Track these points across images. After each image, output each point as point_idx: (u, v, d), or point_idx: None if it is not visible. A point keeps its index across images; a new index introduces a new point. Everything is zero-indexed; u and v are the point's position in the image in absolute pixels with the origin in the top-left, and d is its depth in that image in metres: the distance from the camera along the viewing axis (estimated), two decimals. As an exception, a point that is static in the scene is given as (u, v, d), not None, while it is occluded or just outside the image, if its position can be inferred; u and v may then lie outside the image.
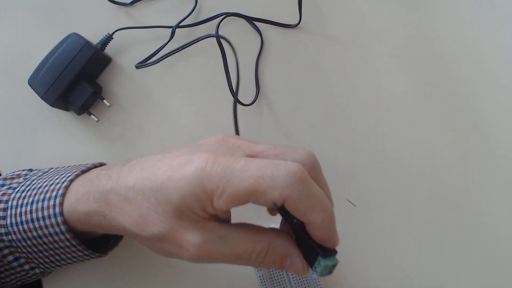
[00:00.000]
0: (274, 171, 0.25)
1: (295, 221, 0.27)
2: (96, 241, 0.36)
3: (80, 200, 0.31)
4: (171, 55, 0.38)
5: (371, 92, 0.44)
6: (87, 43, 0.42)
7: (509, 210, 0.41)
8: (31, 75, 0.41)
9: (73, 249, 0.32)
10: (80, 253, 0.33)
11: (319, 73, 0.44)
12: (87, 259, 0.34)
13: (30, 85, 0.41)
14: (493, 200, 0.42)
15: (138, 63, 0.40)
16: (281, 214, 0.28)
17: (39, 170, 0.38)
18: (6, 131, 0.43)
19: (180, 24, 0.45)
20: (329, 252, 0.28)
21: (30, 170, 0.38)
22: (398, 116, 0.43)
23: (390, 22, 0.45)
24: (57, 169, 0.37)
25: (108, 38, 0.43)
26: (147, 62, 0.39)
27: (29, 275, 0.35)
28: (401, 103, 0.44)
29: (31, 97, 0.43)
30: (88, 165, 0.35)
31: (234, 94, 0.39)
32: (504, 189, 0.42)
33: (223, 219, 0.28)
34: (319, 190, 0.26)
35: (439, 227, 0.41)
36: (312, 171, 0.28)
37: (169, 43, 0.44)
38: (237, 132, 0.40)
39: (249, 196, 0.25)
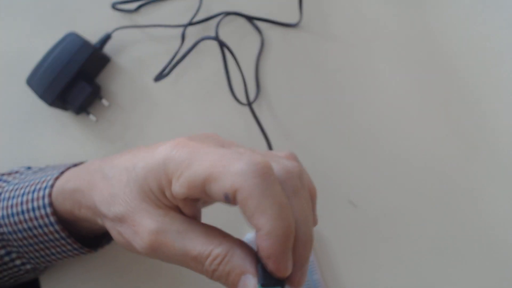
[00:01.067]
0: (234, 158, 0.23)
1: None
2: (90, 241, 0.35)
3: (70, 179, 0.31)
4: (181, 61, 0.38)
5: (371, 92, 0.44)
6: (86, 42, 0.41)
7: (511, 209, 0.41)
8: (29, 75, 0.41)
9: (62, 241, 0.32)
10: (69, 247, 0.32)
11: (320, 73, 0.44)
12: (76, 254, 0.34)
13: (28, 85, 0.41)
14: (495, 200, 0.41)
15: (156, 77, 0.41)
16: None
17: (37, 167, 0.38)
18: (4, 131, 0.43)
19: (178, 24, 0.44)
20: (273, 281, 0.23)
21: (29, 168, 0.38)
22: (399, 116, 0.43)
23: (391, 21, 0.45)
24: (53, 166, 0.36)
25: (107, 38, 0.43)
26: (163, 73, 0.39)
27: (21, 272, 0.35)
28: (402, 102, 0.43)
29: (29, 96, 0.43)
30: (83, 162, 0.35)
31: (249, 102, 0.39)
32: (506, 189, 0.41)
33: (188, 215, 0.26)
34: (281, 195, 0.23)
35: (440, 227, 0.41)
36: (285, 184, 0.24)
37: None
38: (268, 145, 0.40)
39: (204, 183, 0.23)
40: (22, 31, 0.45)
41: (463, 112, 0.43)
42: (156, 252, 0.25)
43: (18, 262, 0.34)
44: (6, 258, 0.33)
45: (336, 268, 0.40)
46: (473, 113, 0.43)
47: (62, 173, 0.32)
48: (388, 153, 0.42)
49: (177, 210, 0.26)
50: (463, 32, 0.45)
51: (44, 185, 0.32)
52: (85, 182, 0.29)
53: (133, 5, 0.45)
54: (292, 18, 0.45)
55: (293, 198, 0.24)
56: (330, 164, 0.42)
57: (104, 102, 0.43)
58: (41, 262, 0.34)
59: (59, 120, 0.43)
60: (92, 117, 0.42)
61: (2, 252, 0.33)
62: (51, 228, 0.31)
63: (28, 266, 0.34)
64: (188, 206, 0.25)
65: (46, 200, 0.31)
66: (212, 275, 0.24)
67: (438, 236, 0.41)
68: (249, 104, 0.40)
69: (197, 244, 0.24)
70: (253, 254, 0.24)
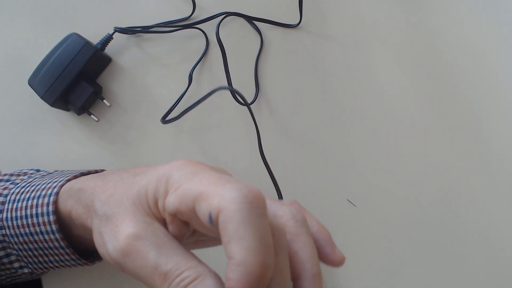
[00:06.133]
0: (230, 181, 0.22)
1: None
2: (89, 252, 0.35)
3: (80, 179, 0.32)
4: (192, 108, 0.38)
5: (371, 92, 0.44)
6: (87, 43, 0.42)
7: (508, 212, 0.41)
8: (31, 75, 0.41)
9: (61, 251, 0.32)
10: (67, 257, 0.33)
11: (319, 73, 0.44)
12: (73, 265, 0.34)
13: (30, 85, 0.41)
14: (493, 199, 0.42)
15: (164, 119, 0.41)
16: None
17: (45, 171, 0.38)
18: (6, 131, 0.43)
19: (180, 25, 0.45)
20: None
21: (37, 170, 0.38)
22: (398, 116, 0.43)
23: (390, 22, 0.45)
24: (62, 172, 0.37)
25: (108, 38, 0.43)
26: (174, 117, 0.39)
27: (18, 273, 0.35)
28: (401, 103, 0.44)
29: (31, 97, 0.43)
30: (90, 170, 0.35)
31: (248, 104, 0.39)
32: (503, 189, 0.42)
33: (172, 233, 0.25)
34: (265, 230, 0.21)
35: (438, 227, 0.41)
36: (286, 228, 0.23)
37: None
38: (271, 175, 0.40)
39: (195, 200, 0.22)
40: (24, 32, 0.45)
41: (461, 113, 0.44)
42: (126, 258, 0.24)
43: (16, 264, 0.34)
44: (5, 260, 0.33)
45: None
46: (470, 113, 0.43)
47: (68, 180, 0.32)
48: (387, 153, 0.43)
49: (164, 224, 0.25)
50: (462, 33, 0.45)
51: (49, 191, 0.32)
52: (92, 183, 0.30)
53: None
54: (292, 19, 0.45)
55: (293, 243, 0.24)
56: (329, 164, 0.43)
57: (106, 102, 0.43)
58: (38, 268, 0.34)
59: (60, 121, 0.44)
60: (93, 117, 0.43)
61: (2, 253, 0.33)
62: (52, 236, 0.31)
63: (26, 270, 0.34)
64: (174, 224, 0.24)
65: (51, 208, 0.31)
66: None
67: (437, 236, 0.41)
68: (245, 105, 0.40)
69: (171, 261, 0.23)
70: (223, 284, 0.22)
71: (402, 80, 0.44)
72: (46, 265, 0.34)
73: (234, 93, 0.33)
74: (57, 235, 0.31)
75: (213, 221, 0.21)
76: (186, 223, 0.25)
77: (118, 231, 0.25)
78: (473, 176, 0.42)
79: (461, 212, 0.42)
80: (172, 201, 0.23)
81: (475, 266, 0.41)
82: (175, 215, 0.24)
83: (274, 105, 0.44)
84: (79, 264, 0.34)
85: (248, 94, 0.44)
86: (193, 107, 0.35)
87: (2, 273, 0.35)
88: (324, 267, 0.40)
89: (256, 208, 0.21)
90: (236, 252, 0.20)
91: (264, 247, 0.20)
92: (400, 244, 0.41)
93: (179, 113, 0.38)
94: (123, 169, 0.31)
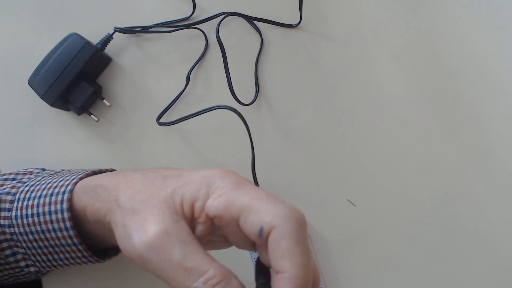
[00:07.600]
0: (279, 201, 0.24)
1: (260, 281, 0.25)
2: (99, 250, 0.35)
3: (95, 177, 0.32)
4: (188, 118, 0.39)
5: (371, 92, 0.44)
6: (87, 43, 0.42)
7: (508, 212, 0.41)
8: (31, 75, 0.41)
9: (73, 248, 0.32)
10: (79, 254, 0.33)
11: (319, 73, 0.44)
12: (84, 262, 0.34)
13: (30, 85, 0.41)
14: (492, 202, 0.42)
15: (159, 121, 0.41)
16: (256, 266, 0.27)
17: (52, 170, 0.38)
18: (6, 131, 0.43)
19: (179, 25, 0.45)
20: None
21: (43, 169, 0.38)
22: (398, 116, 0.43)
23: (390, 22, 0.45)
24: (70, 170, 0.37)
25: (108, 38, 0.43)
26: (170, 122, 0.40)
27: (23, 273, 0.35)
28: (401, 103, 0.44)
29: (31, 97, 0.43)
30: (101, 169, 0.35)
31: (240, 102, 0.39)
32: (503, 190, 0.42)
33: (198, 234, 0.26)
34: (310, 248, 0.24)
35: (438, 227, 0.41)
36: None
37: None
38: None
39: (242, 211, 0.24)
40: (24, 32, 0.45)
41: (461, 113, 0.44)
42: (152, 251, 0.24)
43: (22, 263, 0.34)
44: (11, 259, 0.33)
45: (335, 267, 0.41)
46: (470, 114, 0.43)
47: (81, 178, 0.33)
48: (387, 153, 0.43)
49: (189, 222, 0.26)
50: (462, 33, 0.45)
51: (62, 189, 0.32)
52: (113, 180, 0.30)
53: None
54: (292, 19, 0.45)
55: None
56: (329, 164, 0.43)
57: (106, 102, 0.43)
58: (46, 266, 0.34)
59: (60, 121, 0.44)
60: (93, 117, 0.43)
61: (8, 252, 0.33)
62: (65, 233, 0.31)
63: (32, 269, 0.34)
64: (205, 225, 0.26)
65: (65, 205, 0.31)
66: None
67: (437, 236, 0.41)
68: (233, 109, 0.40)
69: (196, 258, 0.24)
70: None
71: (402, 80, 0.44)
72: (55, 263, 0.34)
73: (232, 110, 0.34)
74: (71, 232, 0.31)
75: (263, 235, 0.24)
76: (214, 227, 0.27)
77: (146, 224, 0.25)
78: (473, 176, 0.42)
79: (461, 212, 0.42)
80: (216, 206, 0.25)
81: (475, 266, 0.41)
82: (212, 218, 0.26)
83: (274, 105, 0.44)
84: (90, 262, 0.34)
85: (248, 94, 0.44)
86: (190, 118, 0.36)
87: (6, 272, 0.34)
88: (325, 266, 0.40)
89: (304, 228, 0.24)
90: (289, 266, 0.23)
91: (310, 263, 0.24)
92: (400, 244, 0.41)
93: (177, 116, 0.38)
94: (141, 169, 0.31)
